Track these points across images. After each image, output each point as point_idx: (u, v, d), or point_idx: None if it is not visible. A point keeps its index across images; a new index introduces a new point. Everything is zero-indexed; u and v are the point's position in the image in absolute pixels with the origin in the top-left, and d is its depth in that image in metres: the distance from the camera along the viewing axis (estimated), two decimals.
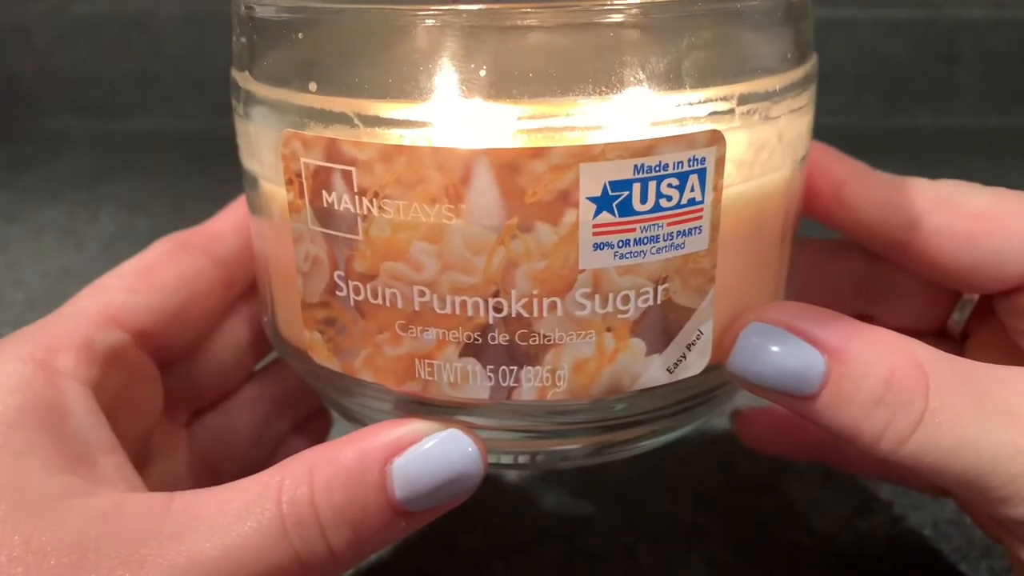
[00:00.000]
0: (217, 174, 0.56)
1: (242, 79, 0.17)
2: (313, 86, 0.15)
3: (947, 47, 0.61)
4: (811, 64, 0.17)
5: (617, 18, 0.14)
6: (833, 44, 0.61)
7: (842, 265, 0.22)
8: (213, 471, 0.22)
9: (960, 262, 0.19)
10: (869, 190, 0.20)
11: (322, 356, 0.17)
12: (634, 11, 0.14)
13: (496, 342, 0.15)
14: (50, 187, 0.53)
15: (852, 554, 0.30)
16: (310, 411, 0.24)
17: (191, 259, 0.20)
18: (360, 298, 0.16)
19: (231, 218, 0.21)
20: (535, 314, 0.15)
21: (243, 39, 0.17)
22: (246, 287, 0.21)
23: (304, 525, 0.15)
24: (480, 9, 0.14)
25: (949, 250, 0.19)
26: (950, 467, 0.16)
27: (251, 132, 0.17)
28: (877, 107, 0.63)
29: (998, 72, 0.62)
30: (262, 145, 0.17)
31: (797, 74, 0.17)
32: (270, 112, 0.16)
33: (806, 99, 0.18)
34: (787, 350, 0.16)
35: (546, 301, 0.15)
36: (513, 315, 0.15)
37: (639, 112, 0.15)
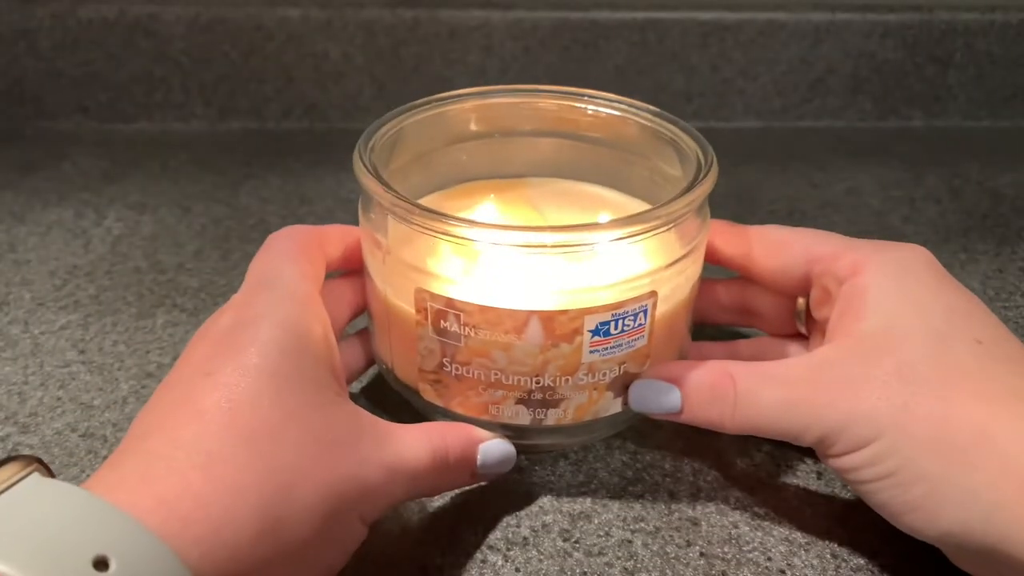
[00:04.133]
0: (223, 176, 0.57)
1: (381, 254, 0.30)
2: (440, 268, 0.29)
3: (939, 50, 0.61)
4: (706, 231, 0.30)
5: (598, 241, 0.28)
6: (828, 47, 0.61)
7: (726, 295, 0.36)
8: None
9: (772, 271, 0.32)
10: (724, 237, 0.33)
11: (430, 396, 0.31)
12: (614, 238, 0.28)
13: (535, 397, 0.29)
14: (57, 188, 0.53)
15: (847, 549, 0.30)
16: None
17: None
18: (459, 373, 0.29)
19: (339, 235, 0.32)
20: (558, 384, 0.29)
21: (393, 231, 0.29)
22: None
23: (440, 460, 0.27)
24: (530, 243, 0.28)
25: (765, 265, 0.32)
26: (768, 427, 0.27)
27: (388, 273, 0.30)
28: (871, 109, 0.63)
29: (989, 75, 0.62)
30: (398, 282, 0.29)
31: (702, 241, 0.30)
32: (409, 270, 0.29)
33: (703, 249, 0.31)
34: (655, 394, 0.29)
35: (562, 378, 0.29)
36: (545, 385, 0.29)
37: (617, 288, 0.28)
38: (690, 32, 0.63)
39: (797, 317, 0.34)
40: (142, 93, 0.63)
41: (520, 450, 0.30)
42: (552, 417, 0.29)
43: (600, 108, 0.35)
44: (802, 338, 0.34)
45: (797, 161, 0.60)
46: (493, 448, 0.29)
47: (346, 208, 0.52)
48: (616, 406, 0.30)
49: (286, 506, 0.23)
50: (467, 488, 0.31)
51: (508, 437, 0.30)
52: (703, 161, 0.30)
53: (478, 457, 0.29)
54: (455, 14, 0.61)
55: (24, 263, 0.46)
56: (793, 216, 0.53)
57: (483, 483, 0.31)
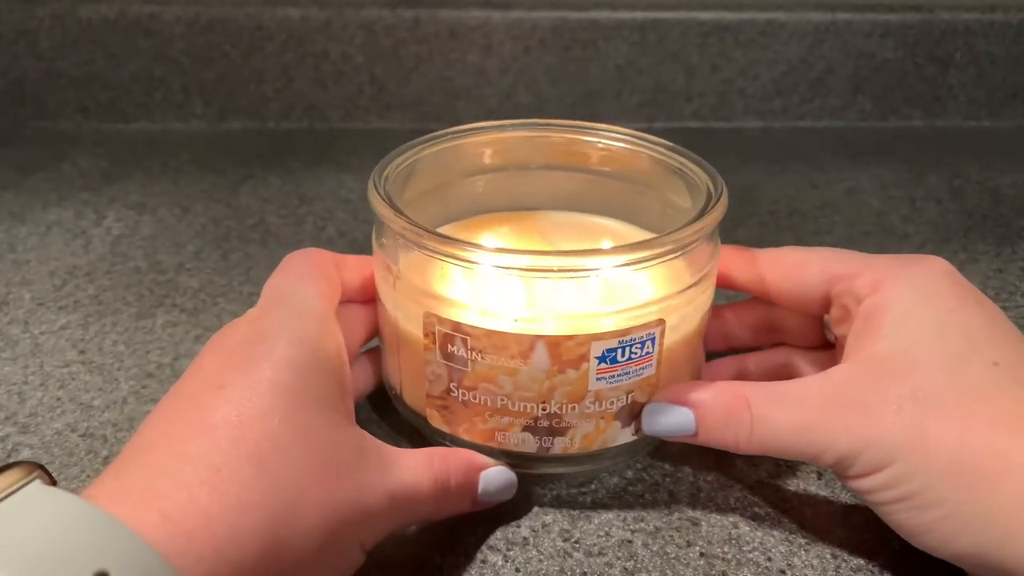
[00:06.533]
0: (223, 176, 0.57)
1: (391, 278, 0.30)
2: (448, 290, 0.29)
3: (939, 50, 0.61)
4: (716, 260, 0.30)
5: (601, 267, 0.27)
6: (828, 47, 0.61)
7: (753, 315, 0.35)
8: None
9: (790, 293, 0.32)
10: (734, 263, 0.33)
11: (437, 422, 0.30)
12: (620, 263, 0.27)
13: (542, 424, 0.29)
14: (57, 188, 0.53)
15: (846, 549, 0.30)
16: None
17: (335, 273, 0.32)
18: (466, 398, 0.29)
19: (358, 264, 0.32)
20: (564, 412, 0.28)
21: (403, 256, 0.29)
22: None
23: (441, 487, 0.27)
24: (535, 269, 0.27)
25: (782, 288, 0.32)
26: (784, 449, 0.27)
27: (399, 297, 0.30)
28: (871, 109, 0.63)
29: (989, 75, 0.62)
30: (408, 307, 0.29)
31: (712, 270, 0.30)
32: (418, 294, 0.29)
33: (713, 278, 0.31)
34: (669, 417, 0.29)
35: (569, 405, 0.28)
36: (552, 412, 0.28)
37: (624, 315, 0.28)
38: (690, 32, 0.62)
39: (827, 328, 0.33)
40: (142, 93, 0.63)
41: (526, 481, 0.30)
42: (559, 445, 0.29)
43: (611, 142, 0.35)
44: (815, 349, 0.34)
45: (797, 161, 0.59)
46: (494, 476, 0.29)
47: (346, 208, 0.52)
48: (624, 436, 0.29)
49: (289, 526, 0.23)
50: None
51: (514, 466, 0.29)
52: (713, 191, 0.30)
53: (479, 485, 0.28)
54: (455, 14, 0.61)
55: (24, 263, 0.46)
56: (793, 216, 0.52)
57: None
